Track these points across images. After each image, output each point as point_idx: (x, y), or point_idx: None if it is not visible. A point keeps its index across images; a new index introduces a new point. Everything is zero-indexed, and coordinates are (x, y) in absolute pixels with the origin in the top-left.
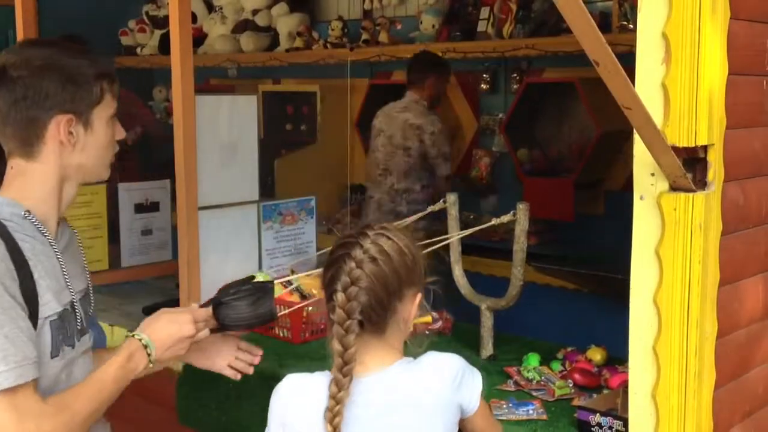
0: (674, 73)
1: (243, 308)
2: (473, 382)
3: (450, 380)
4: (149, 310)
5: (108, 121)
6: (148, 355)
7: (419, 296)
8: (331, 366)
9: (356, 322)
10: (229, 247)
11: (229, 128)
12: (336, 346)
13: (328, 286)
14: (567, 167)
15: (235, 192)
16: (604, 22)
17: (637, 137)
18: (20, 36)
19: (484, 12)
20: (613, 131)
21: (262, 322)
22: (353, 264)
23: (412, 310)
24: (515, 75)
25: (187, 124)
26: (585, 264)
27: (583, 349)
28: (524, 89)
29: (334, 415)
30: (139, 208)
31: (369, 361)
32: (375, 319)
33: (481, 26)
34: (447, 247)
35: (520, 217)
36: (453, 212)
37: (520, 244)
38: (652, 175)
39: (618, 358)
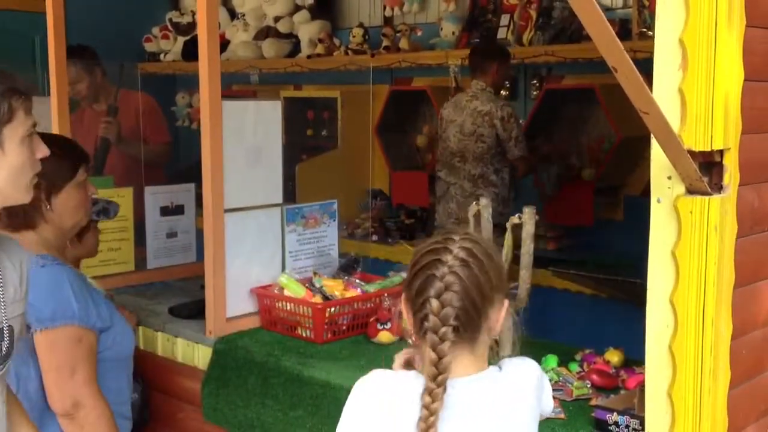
0: (691, 79)
1: None
2: (547, 384)
3: (533, 388)
4: (175, 311)
5: (22, 140)
6: None
7: (506, 303)
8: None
9: (451, 329)
10: (254, 249)
11: (254, 132)
12: (431, 354)
13: (418, 294)
14: (586, 172)
15: (260, 195)
16: (623, 29)
17: (654, 141)
18: (51, 42)
19: (504, 19)
20: (633, 137)
21: None
22: (446, 269)
23: (500, 316)
24: (535, 81)
25: (214, 128)
26: (604, 269)
27: (600, 351)
28: (544, 95)
29: (428, 426)
30: (165, 211)
31: (456, 368)
32: (469, 325)
33: (501, 33)
34: None
35: (526, 220)
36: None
37: (526, 247)
38: (669, 178)
39: (635, 360)
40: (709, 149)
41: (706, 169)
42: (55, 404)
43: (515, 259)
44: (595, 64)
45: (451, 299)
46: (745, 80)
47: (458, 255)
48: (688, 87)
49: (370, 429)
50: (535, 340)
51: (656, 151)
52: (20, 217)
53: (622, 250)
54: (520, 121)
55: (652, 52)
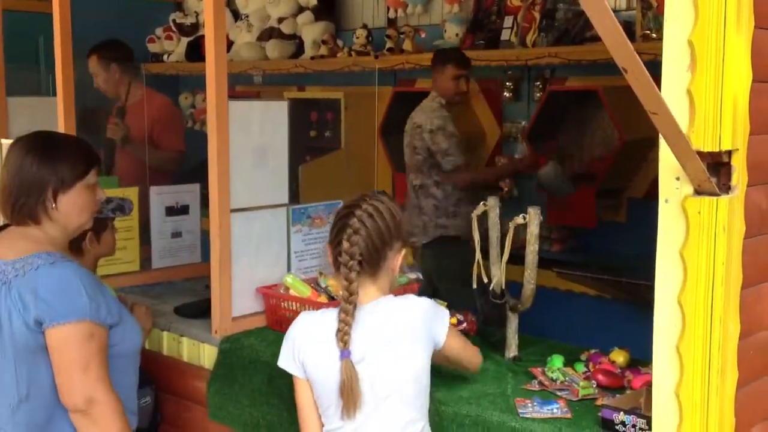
0: (699, 80)
1: None
2: (442, 316)
3: (421, 316)
4: (180, 310)
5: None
6: None
7: (403, 251)
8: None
9: (357, 262)
10: (259, 249)
11: (261, 133)
12: (343, 281)
13: (335, 237)
14: (590, 174)
15: (266, 195)
16: (627, 31)
17: (662, 142)
18: (57, 43)
19: (508, 21)
20: (637, 139)
21: None
22: (355, 219)
23: (398, 260)
24: (538, 83)
25: (221, 128)
26: (607, 270)
27: (606, 352)
28: (547, 97)
29: (343, 333)
30: (170, 211)
31: (363, 295)
32: (371, 261)
33: (505, 35)
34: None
35: (531, 220)
36: (493, 216)
37: (531, 247)
38: (677, 179)
39: (640, 360)
40: (717, 150)
41: (714, 169)
42: (68, 400)
43: (512, 259)
44: (598, 66)
45: (357, 240)
46: (754, 81)
47: (366, 209)
48: (697, 88)
49: (305, 350)
50: (540, 339)
51: (664, 152)
52: (24, 212)
53: (625, 252)
54: (451, 132)
55: (656, 54)
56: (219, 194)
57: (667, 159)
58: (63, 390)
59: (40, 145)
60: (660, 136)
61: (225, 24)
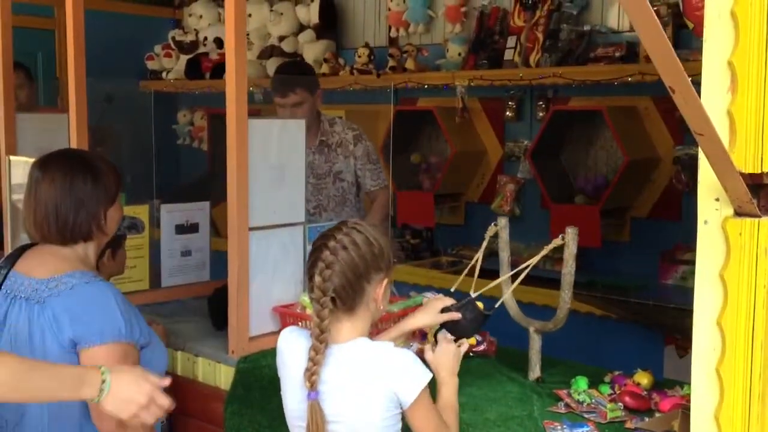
0: (740, 101)
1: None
2: (414, 378)
3: (388, 368)
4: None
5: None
6: (99, 392)
7: (386, 281)
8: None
9: (330, 299)
10: (276, 267)
11: (279, 151)
12: (314, 317)
13: (309, 270)
14: (593, 194)
15: (283, 213)
16: (630, 52)
17: (702, 163)
18: (71, 60)
19: (511, 41)
20: (640, 159)
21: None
22: (327, 252)
23: (380, 292)
24: (541, 103)
25: (240, 146)
26: (613, 290)
27: (629, 373)
28: (551, 116)
29: (311, 374)
30: (180, 229)
31: (337, 333)
32: (346, 297)
33: (508, 55)
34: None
35: (569, 241)
36: (504, 236)
37: (568, 268)
38: (717, 200)
39: (661, 381)
40: (758, 171)
41: (754, 191)
42: (102, 424)
43: (482, 273)
44: (601, 87)
45: (330, 275)
46: None
47: (341, 241)
48: (738, 109)
49: (284, 375)
50: (560, 360)
51: (704, 173)
52: (78, 230)
53: (629, 272)
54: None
55: (659, 75)
56: (238, 212)
57: (706, 180)
58: (95, 413)
59: (83, 163)
60: (700, 157)
61: (245, 41)
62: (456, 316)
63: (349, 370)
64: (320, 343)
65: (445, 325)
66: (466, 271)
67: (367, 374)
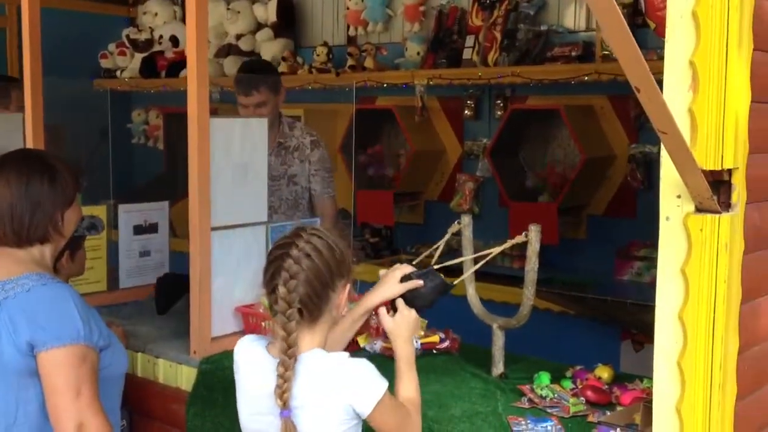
0: (701, 100)
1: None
2: (372, 388)
3: (345, 382)
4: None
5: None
6: None
7: (348, 286)
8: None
9: (296, 310)
10: (238, 267)
11: (241, 150)
12: (280, 332)
13: (270, 281)
14: (550, 192)
15: (245, 213)
16: (587, 52)
17: (665, 160)
18: (27, 60)
19: (469, 40)
20: (597, 157)
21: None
22: (291, 261)
23: (343, 298)
24: (499, 101)
25: (202, 146)
26: (570, 287)
27: (590, 368)
28: (509, 115)
29: (283, 391)
30: (138, 230)
31: (300, 344)
32: (312, 308)
33: (467, 54)
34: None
35: (532, 238)
36: (467, 234)
37: (531, 265)
38: (678, 197)
39: (621, 375)
40: (719, 168)
41: (715, 187)
42: (60, 426)
43: (442, 270)
44: (559, 86)
45: (295, 286)
46: (752, 101)
47: (303, 249)
48: (699, 107)
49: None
50: (522, 356)
51: (666, 170)
52: (34, 232)
53: (586, 269)
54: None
55: (615, 74)
56: (200, 212)
57: (668, 177)
58: (55, 415)
59: (40, 163)
60: (663, 154)
61: (207, 39)
62: (418, 283)
63: (307, 383)
64: (289, 358)
65: (404, 297)
66: (426, 253)
67: (323, 387)
